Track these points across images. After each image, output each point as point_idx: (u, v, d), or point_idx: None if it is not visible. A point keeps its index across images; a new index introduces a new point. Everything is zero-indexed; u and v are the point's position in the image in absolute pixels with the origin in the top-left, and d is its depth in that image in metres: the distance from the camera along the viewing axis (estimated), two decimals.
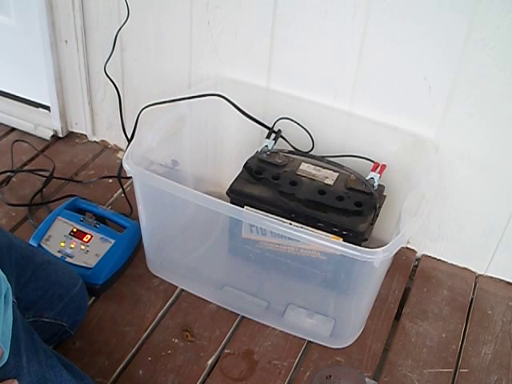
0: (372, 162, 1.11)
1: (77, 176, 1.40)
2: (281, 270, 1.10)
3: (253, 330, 1.08)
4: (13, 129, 1.53)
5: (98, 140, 1.51)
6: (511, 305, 1.18)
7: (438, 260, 1.26)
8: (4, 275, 0.73)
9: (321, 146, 1.16)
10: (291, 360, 1.04)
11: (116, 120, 1.35)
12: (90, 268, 1.10)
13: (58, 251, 1.12)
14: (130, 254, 1.17)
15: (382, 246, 0.88)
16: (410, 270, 1.23)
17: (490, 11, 0.95)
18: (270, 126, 1.17)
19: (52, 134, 1.50)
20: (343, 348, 1.06)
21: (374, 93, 1.12)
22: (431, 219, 1.20)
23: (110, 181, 1.38)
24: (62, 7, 1.30)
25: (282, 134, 1.17)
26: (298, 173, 1.12)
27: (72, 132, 1.53)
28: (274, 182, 1.10)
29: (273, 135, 1.17)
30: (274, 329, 1.09)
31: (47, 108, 1.50)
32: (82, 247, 1.12)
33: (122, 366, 1.01)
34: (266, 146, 1.16)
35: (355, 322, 1.08)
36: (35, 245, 1.12)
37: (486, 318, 1.15)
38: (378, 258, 0.88)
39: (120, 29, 1.19)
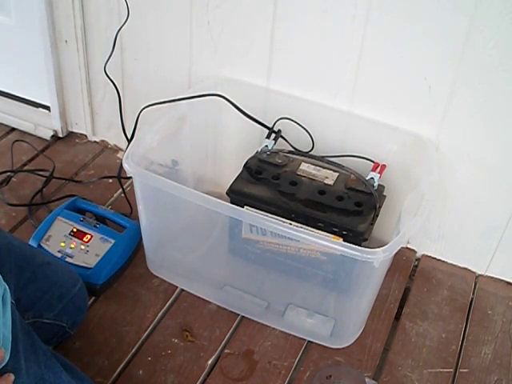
0: (372, 161, 1.11)
1: (77, 176, 1.40)
2: (281, 269, 1.10)
3: (253, 330, 1.08)
4: (13, 129, 1.53)
5: (98, 140, 1.51)
6: (511, 305, 1.18)
7: (438, 260, 1.26)
8: (0, 276, 0.73)
9: (321, 146, 1.16)
10: (291, 360, 1.04)
11: (116, 120, 1.35)
12: (90, 268, 1.10)
13: (58, 251, 1.12)
14: (130, 254, 1.17)
15: (382, 246, 0.88)
16: (410, 270, 1.23)
17: (490, 11, 0.95)
18: (270, 126, 1.17)
19: (52, 134, 1.50)
20: (343, 348, 1.06)
21: (374, 92, 1.12)
22: (431, 219, 1.20)
23: (110, 181, 1.38)
24: (62, 7, 1.30)
25: (282, 134, 1.17)
26: (298, 173, 1.12)
27: (72, 132, 1.53)
28: (274, 181, 1.10)
29: (273, 135, 1.17)
30: (274, 329, 1.09)
31: (47, 108, 1.50)
32: (82, 247, 1.12)
33: (122, 366, 1.01)
34: (266, 145, 1.16)
35: (355, 322, 1.08)
36: (35, 245, 1.12)
37: (485, 318, 1.15)
38: (378, 258, 0.88)
39: (120, 29, 1.19)
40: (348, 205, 1.06)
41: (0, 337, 0.69)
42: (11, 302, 0.74)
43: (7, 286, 0.74)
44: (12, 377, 0.71)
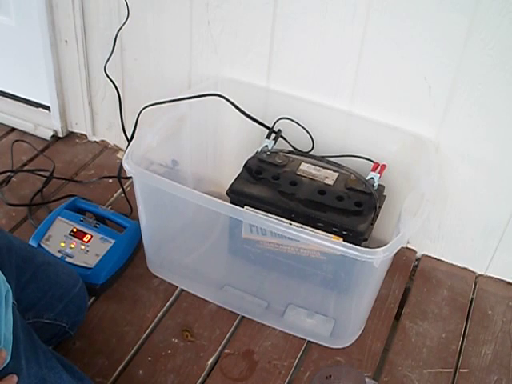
0: (372, 161, 1.11)
1: (77, 176, 1.40)
2: (281, 269, 1.10)
3: (253, 330, 1.08)
4: (13, 129, 1.53)
5: (98, 140, 1.51)
6: (511, 305, 1.18)
7: (438, 260, 1.26)
8: (3, 277, 0.73)
9: (321, 146, 1.16)
10: (291, 360, 1.04)
11: (116, 120, 1.35)
12: (90, 268, 1.10)
13: (58, 251, 1.12)
14: (130, 254, 1.17)
15: (381, 246, 0.88)
16: (410, 270, 1.23)
17: (490, 11, 0.95)
18: (270, 126, 1.17)
19: (52, 134, 1.50)
20: (343, 348, 1.06)
21: (374, 93, 1.12)
22: (431, 219, 1.20)
23: (110, 181, 1.38)
24: (62, 7, 1.30)
25: (282, 134, 1.17)
26: (298, 173, 1.12)
27: (72, 132, 1.53)
28: (273, 181, 1.10)
29: (273, 135, 1.17)
30: (274, 329, 1.09)
31: (47, 108, 1.50)
32: (82, 247, 1.12)
33: (122, 366, 1.01)
34: (266, 145, 1.16)
35: (355, 322, 1.08)
36: (35, 245, 1.12)
37: (485, 318, 1.15)
38: (378, 258, 0.88)
39: (120, 29, 1.19)
40: (348, 205, 1.06)
41: (1, 338, 0.69)
42: (12, 303, 0.74)
43: (10, 287, 0.74)
44: (15, 378, 0.71)
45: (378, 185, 1.09)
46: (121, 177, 1.22)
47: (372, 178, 1.09)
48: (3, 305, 0.71)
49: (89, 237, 1.14)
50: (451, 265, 1.25)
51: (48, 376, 0.78)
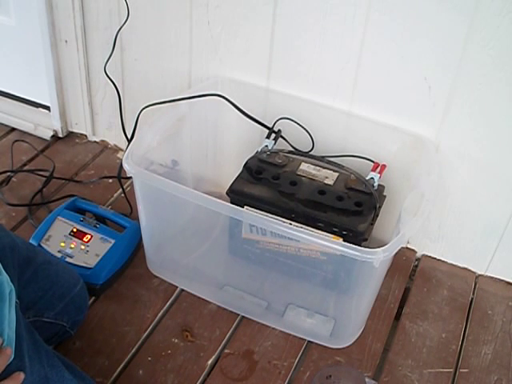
0: (372, 161, 1.11)
1: (77, 176, 1.40)
2: (281, 270, 1.10)
3: (253, 330, 1.08)
4: (13, 129, 1.53)
5: (97, 140, 1.51)
6: (511, 305, 1.18)
7: (438, 260, 1.26)
8: (7, 276, 0.73)
9: (321, 145, 1.16)
10: (291, 360, 1.04)
11: (116, 120, 1.35)
12: (90, 268, 1.10)
13: (58, 251, 1.12)
14: (130, 254, 1.17)
15: (382, 246, 0.88)
16: (410, 270, 1.23)
17: (489, 11, 0.95)
18: (270, 126, 1.17)
19: (52, 134, 1.50)
20: (343, 348, 1.06)
21: (374, 93, 1.12)
22: (431, 219, 1.20)
23: (110, 181, 1.38)
24: (62, 7, 1.30)
25: (282, 134, 1.17)
26: (298, 173, 1.12)
27: (72, 132, 1.53)
28: (273, 181, 1.10)
29: (273, 135, 1.17)
30: (273, 329, 1.09)
31: (47, 108, 1.50)
32: (82, 247, 1.13)
33: (122, 365, 1.01)
34: (266, 145, 1.16)
35: (355, 322, 1.08)
36: (35, 245, 1.12)
37: (485, 318, 1.15)
38: (378, 258, 0.88)
39: (120, 29, 1.19)
40: (348, 205, 1.06)
41: (5, 336, 0.70)
42: (15, 302, 0.74)
43: (13, 287, 0.74)
44: (22, 375, 0.71)
45: (378, 185, 1.09)
46: (121, 177, 1.22)
47: (372, 178, 1.09)
48: (7, 304, 0.71)
49: (89, 237, 1.14)
50: (451, 265, 1.25)
51: (50, 374, 0.78)
